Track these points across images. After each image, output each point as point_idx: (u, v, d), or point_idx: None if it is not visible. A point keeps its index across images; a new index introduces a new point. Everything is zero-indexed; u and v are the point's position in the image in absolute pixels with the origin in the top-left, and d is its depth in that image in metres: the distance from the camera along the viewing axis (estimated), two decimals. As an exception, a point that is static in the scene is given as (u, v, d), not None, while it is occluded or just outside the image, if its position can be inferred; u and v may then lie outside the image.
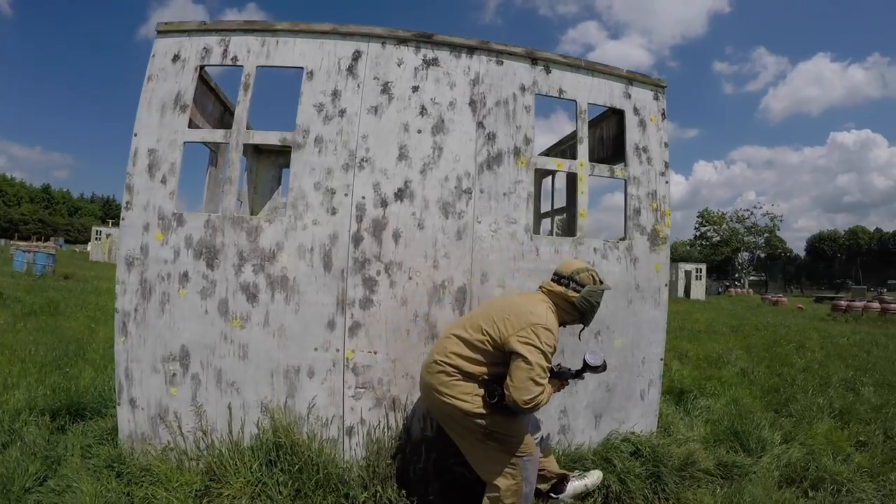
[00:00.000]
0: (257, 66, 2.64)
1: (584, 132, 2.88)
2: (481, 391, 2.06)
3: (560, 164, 2.91)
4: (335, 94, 2.64)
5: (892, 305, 14.69)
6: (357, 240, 2.56)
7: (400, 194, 2.61)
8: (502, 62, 2.81)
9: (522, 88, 2.80)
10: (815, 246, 73.62)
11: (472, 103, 2.73)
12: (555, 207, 4.51)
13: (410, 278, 2.57)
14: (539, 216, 4.51)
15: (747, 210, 48.54)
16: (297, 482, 2.29)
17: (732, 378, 5.04)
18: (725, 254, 49.18)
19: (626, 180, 2.92)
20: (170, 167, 2.53)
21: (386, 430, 2.49)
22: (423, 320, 2.57)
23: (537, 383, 1.96)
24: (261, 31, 2.67)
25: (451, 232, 2.63)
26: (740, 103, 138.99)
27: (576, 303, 2.19)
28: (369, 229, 2.57)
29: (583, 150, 2.86)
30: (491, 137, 2.73)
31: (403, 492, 2.28)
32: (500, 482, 2.08)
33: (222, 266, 2.50)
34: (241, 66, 2.63)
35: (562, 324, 2.22)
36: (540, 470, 2.31)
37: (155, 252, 2.48)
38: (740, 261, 48.21)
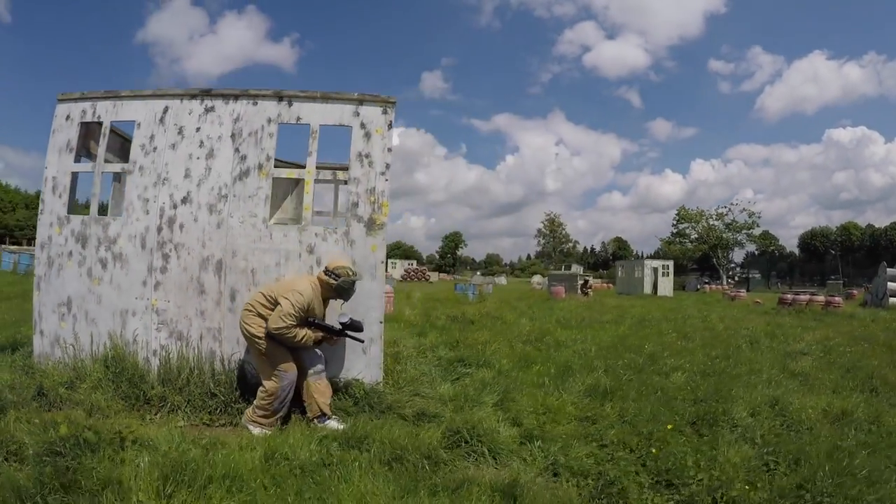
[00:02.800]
0: (111, 121, 4.34)
1: (314, 147, 4.07)
2: (264, 325, 3.48)
3: (291, 173, 4.17)
4: (151, 138, 4.23)
5: (836, 299, 14.80)
6: (159, 230, 4.13)
7: (184, 200, 4.11)
8: (257, 102, 4.13)
9: (269, 120, 4.10)
10: (808, 242, 75.66)
11: (232, 135, 4.12)
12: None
13: (189, 254, 4.08)
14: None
15: (725, 207, 50.35)
16: (123, 380, 3.95)
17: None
18: (703, 251, 50.64)
19: (346, 181, 4.05)
20: (64, 187, 4.36)
21: (173, 350, 4.04)
22: (196, 281, 4.06)
23: (283, 320, 3.39)
24: (113, 98, 4.36)
25: (214, 224, 4.06)
26: (736, 102, 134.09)
27: (334, 286, 3.63)
28: (166, 223, 4.13)
29: (311, 161, 4.06)
30: (243, 158, 4.09)
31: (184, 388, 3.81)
32: (267, 384, 3.50)
33: (89, 247, 4.26)
34: (102, 121, 4.35)
35: (326, 297, 3.71)
36: (316, 398, 3.57)
37: (55, 239, 4.33)
38: (719, 257, 48.51)
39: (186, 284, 4.08)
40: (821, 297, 15.16)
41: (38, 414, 3.19)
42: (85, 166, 4.42)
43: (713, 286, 39.60)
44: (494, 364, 5.34)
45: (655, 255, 47.51)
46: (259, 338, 3.48)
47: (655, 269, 28.21)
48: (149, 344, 4.09)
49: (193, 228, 4.08)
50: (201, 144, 4.13)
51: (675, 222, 54.30)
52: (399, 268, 48.85)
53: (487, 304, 14.41)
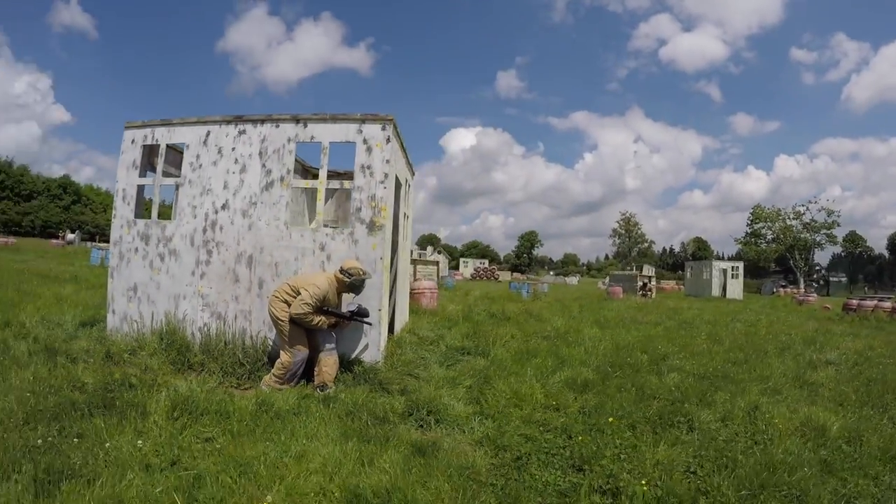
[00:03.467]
0: (166, 144, 5.39)
1: (325, 161, 4.92)
2: (287, 310, 4.38)
3: (307, 183, 5.02)
4: (197, 157, 5.24)
5: None
6: (204, 230, 5.13)
7: (223, 207, 5.09)
8: (279, 125, 5.04)
9: (288, 140, 4.99)
10: None
11: (260, 153, 5.04)
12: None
13: (227, 250, 5.05)
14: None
15: (803, 205, 48.19)
16: (173, 349, 4.98)
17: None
18: (780, 252, 47.90)
19: (351, 189, 4.86)
20: (131, 197, 5.46)
21: (213, 327, 5.02)
22: (233, 272, 5.03)
23: (302, 307, 4.27)
24: (167, 125, 5.41)
25: (246, 226, 5.01)
26: (821, 93, 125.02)
27: (347, 283, 4.51)
28: (210, 225, 5.12)
29: (322, 173, 4.92)
30: (269, 172, 5.00)
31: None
32: (284, 357, 4.42)
33: (151, 244, 5.33)
34: (159, 144, 5.41)
35: (340, 292, 4.59)
36: (324, 370, 4.42)
37: (125, 237, 5.44)
38: (796, 259, 45.75)
39: (225, 275, 5.05)
40: (888, 304, 14.46)
41: (102, 367, 4.24)
42: (147, 180, 5.51)
43: (789, 290, 37.78)
44: (493, 354, 5.80)
45: (736, 257, 45.69)
46: (282, 320, 4.36)
47: (724, 271, 27.56)
48: (195, 322, 5.10)
49: (230, 230, 5.05)
50: (236, 161, 5.09)
51: (749, 222, 51.82)
52: (470, 266, 50.67)
53: (537, 303, 14.48)
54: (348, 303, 4.66)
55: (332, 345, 4.57)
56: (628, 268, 49.51)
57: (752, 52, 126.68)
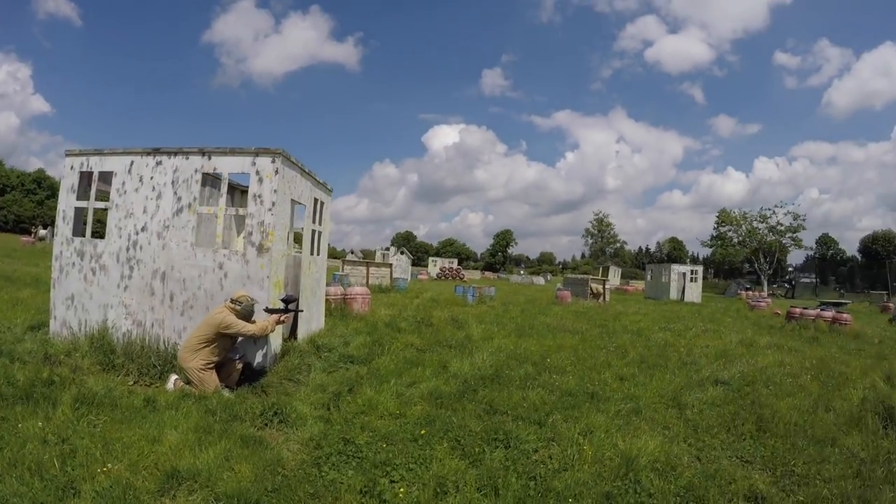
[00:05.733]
0: (98, 171, 6.44)
1: (223, 190, 5.91)
2: (201, 361, 5.23)
3: (209, 210, 6.02)
4: (123, 183, 6.28)
5: (845, 316, 14.04)
6: (127, 249, 6.18)
7: (143, 229, 6.13)
8: (188, 157, 6.04)
9: (196, 170, 6.00)
10: (869, 247, 75.78)
11: (173, 182, 6.05)
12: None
13: (145, 267, 6.09)
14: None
15: (769, 209, 50.59)
16: (101, 352, 6.05)
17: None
18: (746, 255, 50.09)
19: (245, 216, 5.85)
20: (70, 217, 6.53)
21: (134, 333, 6.08)
22: (150, 286, 6.08)
23: (249, 329, 5.26)
24: (98, 154, 6.45)
25: (160, 246, 6.04)
26: (802, 97, 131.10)
27: (238, 311, 5.43)
28: (132, 245, 6.17)
29: (222, 201, 5.91)
30: (179, 199, 6.02)
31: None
32: (197, 388, 5.41)
33: (85, 259, 6.41)
34: (92, 171, 6.46)
35: (239, 317, 5.44)
36: (230, 374, 5.47)
37: (64, 253, 6.52)
38: (760, 261, 47.76)
39: (143, 288, 6.10)
40: (829, 313, 14.47)
41: (38, 366, 5.34)
42: (83, 203, 6.58)
43: (752, 292, 39.11)
44: (376, 363, 6.39)
45: (710, 258, 46.81)
46: (196, 370, 5.13)
47: (683, 275, 28.98)
48: (119, 328, 6.17)
49: (148, 249, 6.09)
50: (153, 189, 6.12)
51: (716, 224, 54.49)
52: (437, 266, 51.84)
53: (479, 307, 14.87)
54: (279, 296, 5.75)
55: (236, 354, 5.57)
56: (602, 267, 51.05)
57: (737, 55, 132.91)
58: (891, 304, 24.83)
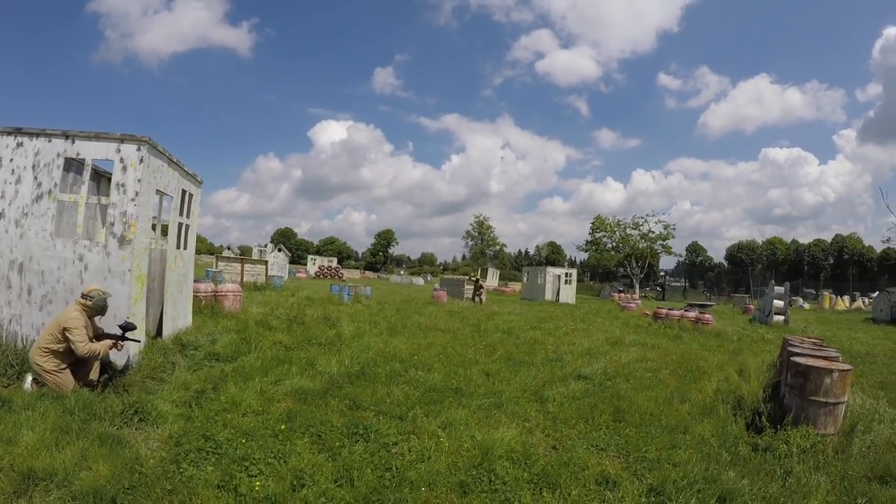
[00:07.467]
0: (-37, 151, 6.05)
1: (87, 176, 5.50)
2: (55, 361, 4.84)
3: (70, 198, 5.61)
4: (-16, 164, 5.87)
5: (706, 316, 15.06)
6: (-14, 237, 5.79)
7: (0, 216, 5.73)
8: (51, 140, 5.62)
9: (58, 154, 5.58)
10: (734, 255, 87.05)
11: (34, 166, 5.65)
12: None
13: (2, 257, 5.71)
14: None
15: (642, 217, 54.62)
16: None
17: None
18: (619, 260, 56.33)
19: (107, 205, 5.44)
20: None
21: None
22: (6, 279, 5.69)
23: (87, 348, 4.78)
24: (-35, 134, 6.04)
25: (18, 235, 5.65)
26: (681, 117, 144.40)
27: (91, 306, 5.03)
28: (-9, 232, 5.78)
29: (83, 189, 5.49)
30: (39, 184, 5.61)
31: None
32: (55, 389, 5.03)
33: (-52, 248, 6.03)
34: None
35: (91, 316, 5.06)
36: (88, 372, 5.13)
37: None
38: (632, 266, 52.36)
39: (0, 281, 5.73)
40: (692, 314, 15.36)
41: None
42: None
43: (625, 294, 42.27)
44: (241, 361, 6.30)
45: (585, 262, 50.45)
46: (49, 372, 4.78)
47: (558, 277, 30.53)
48: (-21, 323, 5.81)
49: (5, 238, 5.70)
50: (13, 172, 5.71)
51: (591, 230, 58.36)
52: (315, 264, 52.50)
53: (354, 306, 14.87)
54: (118, 322, 5.20)
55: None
56: (480, 269, 52.95)
57: (623, 73, 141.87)
58: (751, 306, 25.94)
